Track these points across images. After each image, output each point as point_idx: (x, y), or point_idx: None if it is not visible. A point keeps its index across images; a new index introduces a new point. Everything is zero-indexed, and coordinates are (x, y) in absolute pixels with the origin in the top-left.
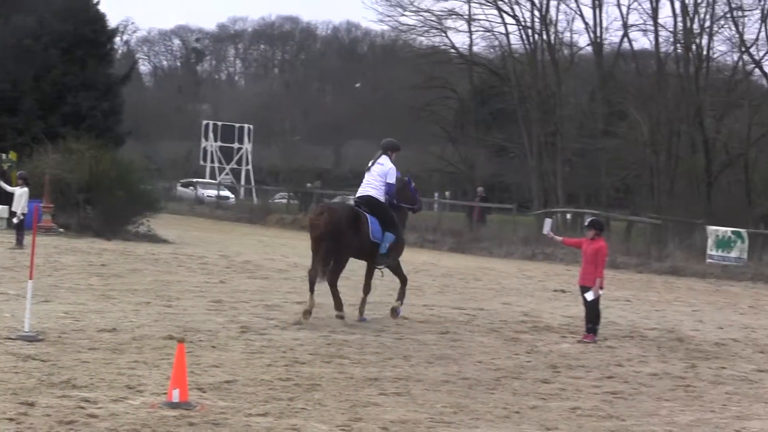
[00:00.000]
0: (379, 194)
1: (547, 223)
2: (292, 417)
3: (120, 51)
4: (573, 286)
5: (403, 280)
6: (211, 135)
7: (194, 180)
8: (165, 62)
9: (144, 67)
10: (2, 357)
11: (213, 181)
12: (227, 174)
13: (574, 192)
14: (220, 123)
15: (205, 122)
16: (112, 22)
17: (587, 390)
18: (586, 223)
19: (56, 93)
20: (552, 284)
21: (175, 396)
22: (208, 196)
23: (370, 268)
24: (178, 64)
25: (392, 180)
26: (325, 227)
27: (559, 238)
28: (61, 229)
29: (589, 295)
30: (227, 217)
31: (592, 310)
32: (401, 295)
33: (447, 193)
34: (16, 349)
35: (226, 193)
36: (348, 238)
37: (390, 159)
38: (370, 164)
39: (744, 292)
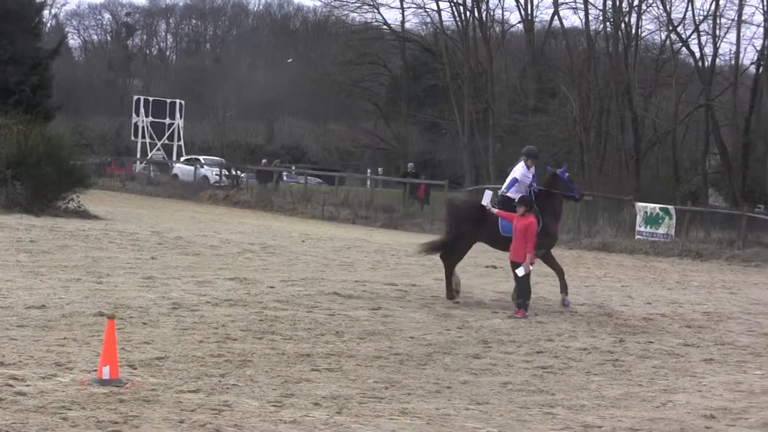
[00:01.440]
0: (511, 193)
1: (487, 195)
2: (223, 393)
3: (49, 25)
4: (504, 262)
5: (559, 272)
6: (142, 110)
7: (198, 157)
8: (95, 37)
9: (73, 41)
10: None
11: (216, 158)
12: (159, 150)
13: (506, 168)
14: (151, 98)
15: (136, 97)
16: None
17: (518, 365)
18: (516, 200)
19: None
20: (483, 260)
21: (106, 373)
22: (216, 174)
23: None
24: (109, 38)
25: (506, 184)
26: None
27: (495, 210)
28: None
29: (520, 271)
30: (159, 193)
31: (523, 286)
32: (563, 288)
33: (380, 170)
34: None
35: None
36: (469, 231)
37: (524, 165)
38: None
39: (671, 267)
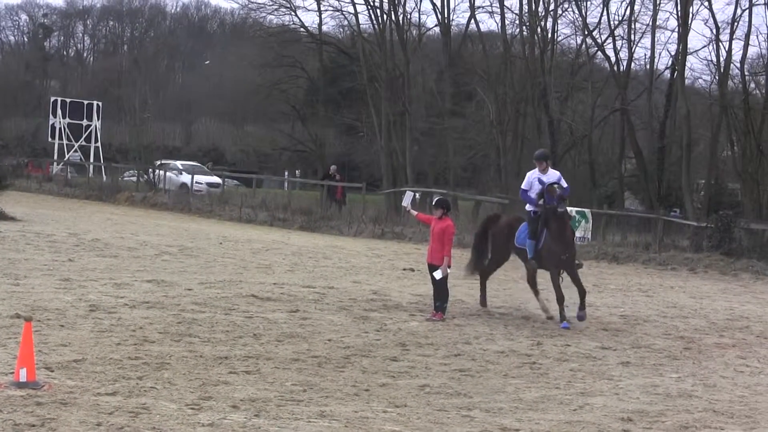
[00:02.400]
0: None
1: (408, 196)
2: (141, 396)
3: None
4: (422, 265)
5: (581, 292)
6: (59, 111)
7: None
8: (12, 38)
9: None
10: None
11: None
12: (76, 151)
13: (423, 171)
14: (68, 99)
15: (53, 99)
16: None
17: (436, 368)
18: (433, 203)
19: None
20: (401, 263)
21: (23, 375)
22: (197, 184)
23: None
24: (26, 39)
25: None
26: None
27: (414, 212)
28: None
29: (438, 274)
30: (76, 194)
31: (441, 289)
32: (582, 306)
33: (297, 172)
34: None
35: (213, 179)
36: (496, 244)
37: (537, 168)
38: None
39: (588, 270)
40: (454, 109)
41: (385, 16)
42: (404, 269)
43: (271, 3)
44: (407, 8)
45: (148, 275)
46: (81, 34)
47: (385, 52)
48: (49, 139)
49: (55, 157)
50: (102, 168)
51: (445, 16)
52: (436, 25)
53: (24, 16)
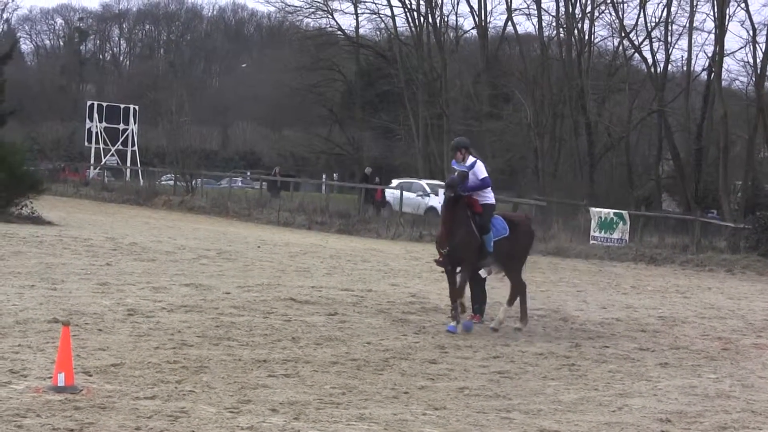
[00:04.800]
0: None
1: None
2: (180, 400)
3: (0, 29)
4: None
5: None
6: (95, 116)
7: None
8: (48, 42)
9: (26, 46)
10: None
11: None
12: (113, 155)
13: None
14: (105, 103)
15: (89, 103)
16: None
17: (474, 370)
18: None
19: None
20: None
21: (61, 380)
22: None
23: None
24: (61, 43)
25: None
26: None
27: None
28: None
29: (483, 273)
30: (113, 198)
31: (478, 291)
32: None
33: (335, 175)
34: None
35: None
36: None
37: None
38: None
39: (626, 272)
40: (491, 111)
41: (422, 19)
42: (441, 271)
43: (308, 6)
44: (444, 11)
45: (185, 279)
46: (117, 38)
47: (422, 54)
48: (86, 144)
49: (92, 161)
50: (139, 172)
51: (482, 18)
52: (473, 28)
53: (60, 20)
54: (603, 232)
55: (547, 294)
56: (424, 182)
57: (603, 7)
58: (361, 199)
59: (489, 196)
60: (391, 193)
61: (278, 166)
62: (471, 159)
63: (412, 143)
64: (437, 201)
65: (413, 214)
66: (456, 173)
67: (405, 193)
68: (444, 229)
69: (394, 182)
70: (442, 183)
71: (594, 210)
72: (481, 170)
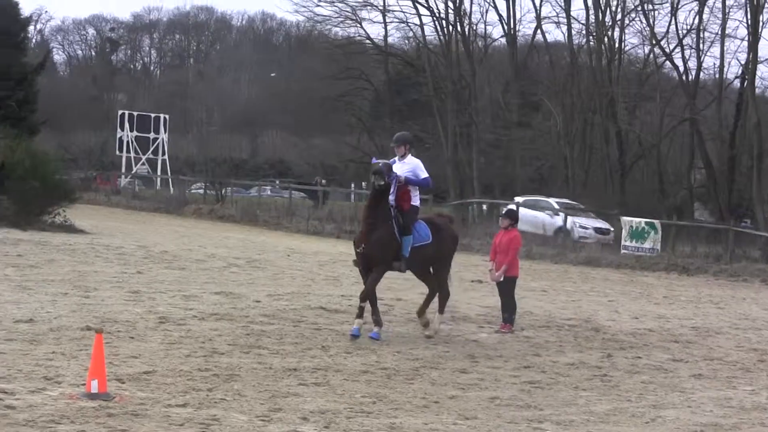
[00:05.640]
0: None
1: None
2: (211, 407)
3: (34, 40)
4: (487, 276)
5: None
6: (126, 125)
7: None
8: (80, 52)
9: (58, 56)
10: None
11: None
12: (143, 164)
13: (490, 182)
14: (135, 113)
15: (120, 112)
16: (26, 11)
17: (505, 380)
18: (502, 213)
19: None
20: (469, 275)
21: (94, 387)
22: (582, 229)
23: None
24: (93, 53)
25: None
26: None
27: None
28: None
29: (498, 276)
30: (144, 207)
31: (509, 301)
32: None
33: (363, 184)
34: None
35: (601, 224)
36: None
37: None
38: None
39: (658, 282)
40: (520, 119)
41: (450, 28)
42: (472, 281)
43: (336, 15)
44: (473, 19)
45: (216, 287)
46: (147, 48)
47: (451, 63)
48: (117, 153)
49: (123, 170)
50: (169, 181)
51: (511, 26)
52: (502, 36)
53: (91, 30)
54: (634, 241)
55: (578, 304)
56: (552, 200)
57: (633, 15)
58: None
59: (416, 198)
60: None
61: (319, 176)
62: (411, 158)
63: (441, 152)
64: (569, 221)
65: (538, 235)
66: (381, 162)
67: (530, 212)
68: (365, 226)
69: (519, 199)
70: (572, 202)
71: (625, 219)
72: (422, 168)
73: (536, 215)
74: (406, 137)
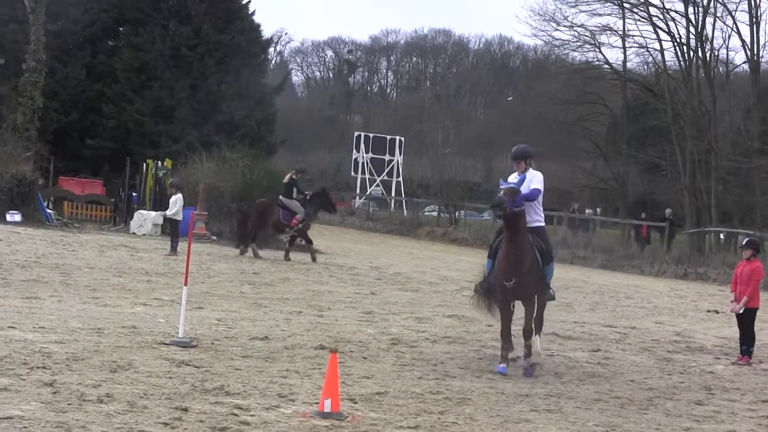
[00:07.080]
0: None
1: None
2: (443, 431)
3: (273, 61)
4: (726, 307)
5: (526, 330)
6: (362, 146)
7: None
8: (317, 73)
9: (296, 77)
10: (157, 362)
11: None
12: (378, 186)
13: (728, 211)
14: (371, 134)
15: (357, 133)
16: (267, 32)
17: (742, 413)
18: (742, 243)
19: (211, 102)
20: (705, 304)
21: (327, 406)
22: None
23: None
24: (331, 75)
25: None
26: None
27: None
28: (214, 237)
29: (738, 308)
30: (377, 228)
31: (747, 332)
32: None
33: (598, 210)
34: (170, 354)
35: None
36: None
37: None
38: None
39: None
40: (762, 147)
41: (691, 53)
42: (708, 311)
43: (575, 40)
44: (715, 44)
45: (448, 310)
46: (384, 70)
47: (691, 89)
48: (352, 173)
49: (357, 191)
50: (403, 202)
51: (755, 52)
52: (744, 62)
53: (330, 53)
54: None
55: None
56: None
57: None
58: (625, 235)
59: (539, 218)
60: None
61: (669, 209)
62: (531, 172)
63: (678, 179)
64: None
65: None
66: (502, 191)
67: None
68: (511, 256)
69: None
70: None
71: None
72: (538, 180)
73: None
74: (526, 151)
